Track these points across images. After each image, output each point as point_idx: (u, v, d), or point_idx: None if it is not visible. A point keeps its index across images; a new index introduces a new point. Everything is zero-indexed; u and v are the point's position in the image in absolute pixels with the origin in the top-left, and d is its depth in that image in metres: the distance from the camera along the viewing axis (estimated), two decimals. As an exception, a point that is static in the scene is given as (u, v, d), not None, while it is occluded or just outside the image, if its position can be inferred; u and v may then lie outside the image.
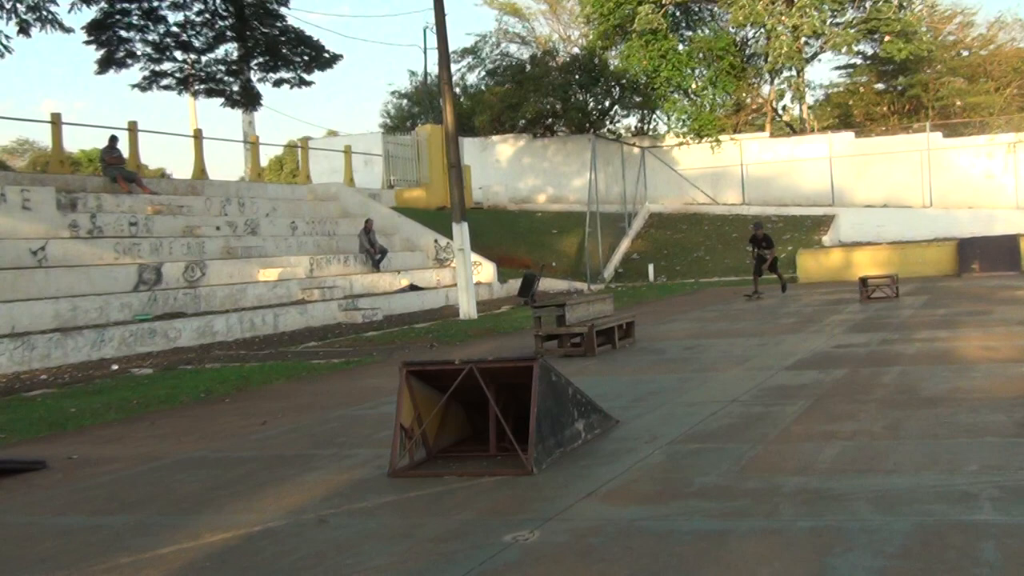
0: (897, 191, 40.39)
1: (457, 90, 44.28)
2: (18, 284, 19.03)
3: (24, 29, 22.55)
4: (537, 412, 7.45)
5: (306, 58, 35.04)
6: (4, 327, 17.56)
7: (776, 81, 47.35)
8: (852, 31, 43.26)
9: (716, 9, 46.43)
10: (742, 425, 8.82)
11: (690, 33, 47.02)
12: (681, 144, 44.33)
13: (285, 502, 7.08)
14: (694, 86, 45.40)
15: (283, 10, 34.71)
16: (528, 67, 46.98)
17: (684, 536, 5.68)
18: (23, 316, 18.08)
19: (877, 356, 13.03)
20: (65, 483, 8.27)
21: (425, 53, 56.48)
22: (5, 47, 23.24)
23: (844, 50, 44.65)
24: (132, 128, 29.35)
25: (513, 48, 51.99)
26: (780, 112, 49.98)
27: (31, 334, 17.44)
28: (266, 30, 34.32)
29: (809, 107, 50.44)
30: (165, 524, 6.72)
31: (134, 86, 34.75)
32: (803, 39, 43.38)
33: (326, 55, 35.25)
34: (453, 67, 35.35)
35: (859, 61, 49.75)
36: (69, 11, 31.35)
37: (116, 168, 26.57)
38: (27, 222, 20.93)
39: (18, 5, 22.24)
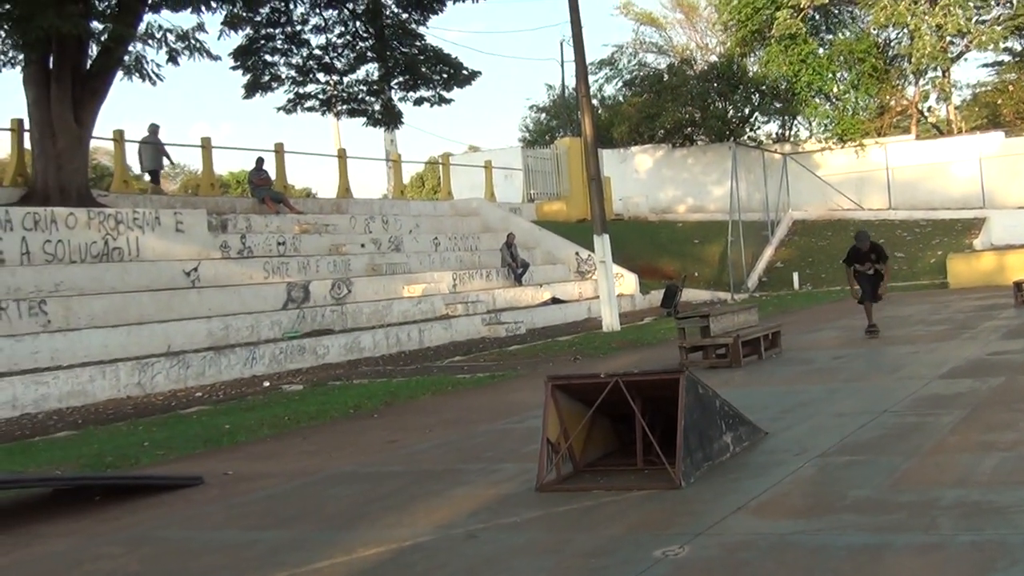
0: (1052, 191, 39.07)
1: (595, 102, 44.17)
2: (173, 304, 19.63)
3: (173, 58, 23.22)
4: (684, 425, 7.39)
5: (445, 76, 35.30)
6: (160, 346, 18.13)
7: (920, 82, 46.27)
8: (999, 28, 41.98)
9: (856, 11, 45.54)
10: (895, 436, 8.62)
11: (830, 36, 46.21)
12: (824, 149, 43.58)
13: (435, 516, 7.15)
14: (836, 90, 44.59)
15: (421, 29, 35.10)
16: (666, 76, 46.70)
17: (838, 551, 5.57)
18: (178, 335, 18.63)
19: (1036, 363, 12.61)
20: (222, 499, 8.48)
21: (562, 66, 56.62)
22: (156, 75, 23.97)
23: (991, 48, 43.35)
24: (278, 150, 30.06)
25: (650, 58, 51.78)
26: (926, 114, 48.78)
27: (186, 352, 17.96)
28: (405, 50, 34.69)
29: (956, 107, 49.12)
30: (319, 539, 6.85)
31: (279, 109, 35.50)
32: (947, 38, 42.25)
33: (464, 72, 35.47)
34: (590, 79, 35.29)
35: (1007, 58, 48.24)
36: (218, 38, 32.24)
37: (264, 189, 27.24)
38: (180, 244, 21.58)
39: (168, 35, 22.89)
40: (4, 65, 23.67)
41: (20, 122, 23.81)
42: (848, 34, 45.95)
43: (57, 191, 21.57)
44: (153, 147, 27.25)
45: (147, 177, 28.28)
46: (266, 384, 17.17)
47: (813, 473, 7.50)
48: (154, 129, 27.33)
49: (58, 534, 7.60)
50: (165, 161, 27.99)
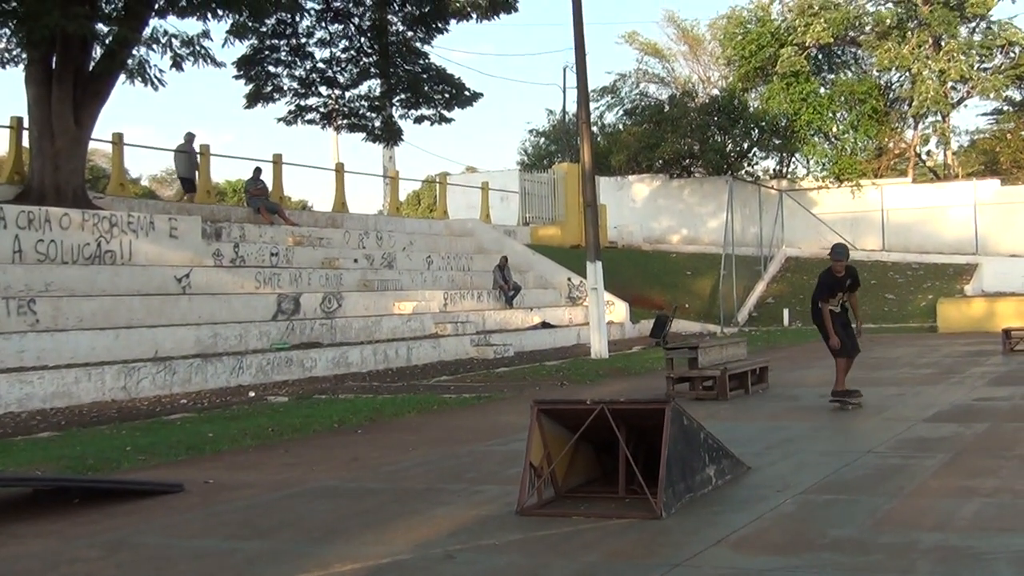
0: (1045, 241, 39.18)
1: (595, 129, 44.29)
2: (163, 310, 19.60)
3: (177, 63, 23.27)
4: (668, 456, 7.39)
5: (447, 96, 35.45)
6: (148, 351, 18.09)
7: (920, 126, 46.42)
8: (1001, 76, 42.22)
9: (860, 52, 45.78)
10: (878, 477, 8.62)
11: (832, 76, 46.44)
12: (820, 188, 43.71)
13: (413, 535, 7.13)
14: (835, 129, 44.77)
15: (426, 48, 35.28)
16: (667, 107, 46.86)
17: (816, 589, 5.57)
18: (166, 341, 18.60)
19: (1021, 410, 12.64)
20: (201, 507, 8.46)
21: (564, 92, 56.78)
22: (159, 80, 24.01)
23: (992, 95, 43.54)
24: (276, 160, 30.08)
25: (652, 88, 51.94)
26: (923, 157, 48.97)
27: (173, 359, 17.92)
28: (409, 68, 34.85)
29: (954, 153, 49.29)
30: (297, 552, 6.83)
31: (280, 120, 35.60)
32: (949, 84, 42.48)
33: (467, 93, 35.62)
34: (592, 106, 35.47)
35: (1007, 107, 48.47)
36: (223, 46, 32.32)
37: (260, 199, 27.25)
38: (174, 250, 21.56)
39: (173, 41, 22.95)
40: (7, 63, 23.70)
41: (20, 120, 23.81)
42: (850, 75, 46.19)
43: (53, 191, 21.56)
44: (187, 156, 27.93)
45: (180, 184, 28.67)
46: (252, 394, 17.14)
47: (794, 510, 7.50)
48: (189, 138, 27.94)
49: (35, 535, 7.57)
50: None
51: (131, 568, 6.60)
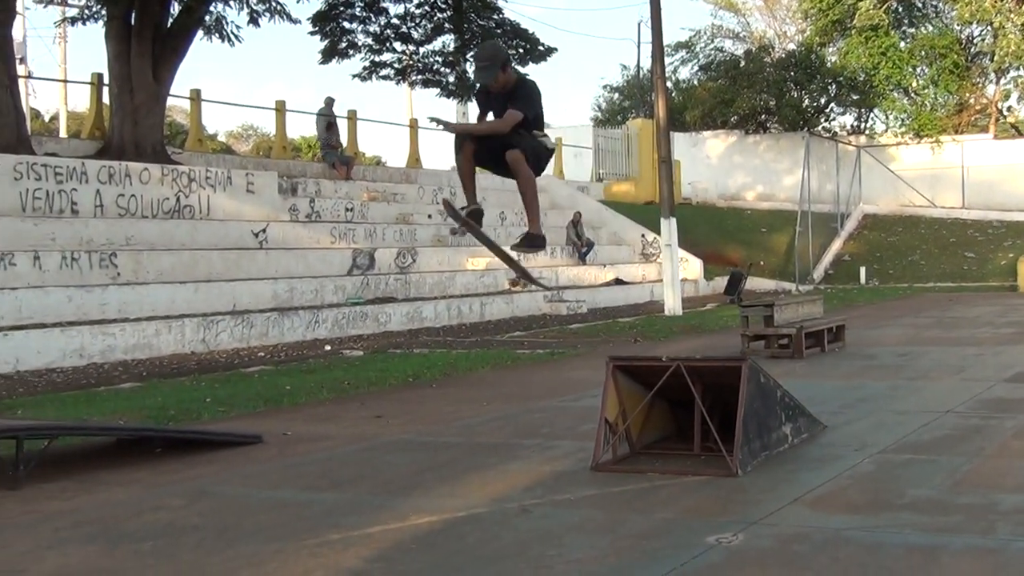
0: None
1: (669, 85, 43.84)
2: (240, 264, 19.84)
3: (254, 19, 23.46)
4: (744, 414, 7.36)
5: (521, 51, 35.28)
6: (226, 305, 18.34)
7: (1002, 81, 45.45)
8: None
9: (941, 5, 44.84)
10: (957, 437, 8.52)
11: (912, 30, 45.46)
12: (899, 144, 43.02)
13: (489, 489, 7.18)
14: (915, 84, 43.97)
15: (500, 2, 35.15)
16: (742, 63, 46.29)
17: (894, 549, 5.53)
18: (244, 295, 18.84)
19: (1105, 372, 12.39)
20: (280, 458, 8.58)
21: (638, 47, 56.25)
22: (235, 36, 24.21)
23: (1076, 49, 42.47)
24: (351, 116, 30.21)
25: (727, 44, 51.29)
26: (1005, 113, 47.94)
27: (250, 312, 18.16)
28: (483, 22, 34.74)
29: (1037, 108, 48.24)
30: (374, 504, 6.91)
31: (355, 76, 35.72)
32: (1032, 37, 41.48)
33: (540, 48, 35.45)
34: (666, 61, 35.08)
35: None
36: (297, 1, 32.47)
37: (335, 154, 27.40)
38: (250, 205, 21.78)
39: (251, -4, 23.19)
40: (88, 19, 24.01)
41: (100, 76, 24.14)
42: (930, 29, 45.21)
43: (133, 146, 21.86)
44: (326, 119, 28.32)
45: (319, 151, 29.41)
46: (327, 348, 17.32)
47: (872, 469, 7.44)
48: (329, 102, 28.44)
49: (119, 483, 7.74)
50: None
51: (212, 516, 6.72)
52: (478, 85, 8.16)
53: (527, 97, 7.62)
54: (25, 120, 22.99)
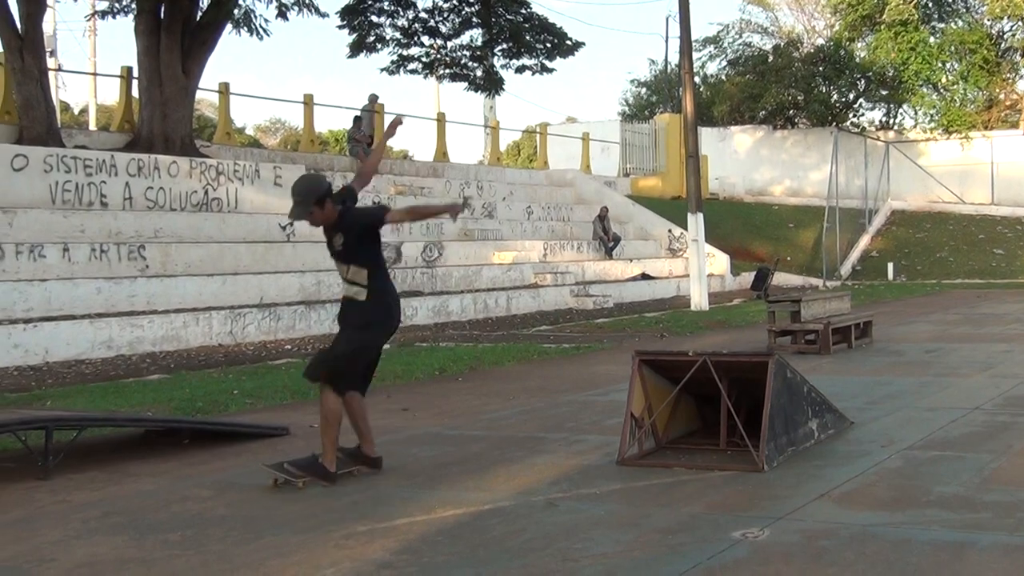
0: None
1: (697, 79, 43.71)
2: (268, 257, 19.91)
3: (283, 12, 23.53)
4: (771, 409, 7.35)
5: (548, 45, 35.30)
6: (254, 297, 18.42)
7: (1032, 76, 45.18)
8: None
9: (971, 1, 44.57)
10: (985, 434, 8.48)
11: (942, 25, 45.21)
12: (928, 139, 42.78)
13: (515, 483, 7.20)
14: (944, 80, 43.72)
15: (528, -3, 35.14)
16: (771, 57, 46.16)
17: (921, 546, 5.52)
18: (271, 288, 18.91)
19: None
20: (307, 450, 8.59)
21: (666, 41, 56.21)
22: (264, 29, 24.28)
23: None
24: (378, 110, 30.25)
25: (756, 38, 51.06)
26: (1036, 109, 47.62)
27: (278, 305, 18.23)
28: (511, 17, 34.74)
29: (1068, 104, 47.86)
30: (399, 496, 6.94)
31: (382, 70, 35.84)
32: (1064, 32, 41.19)
33: (568, 42, 35.44)
34: (694, 56, 35.02)
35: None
36: (326, -5, 32.61)
37: (361, 147, 27.46)
38: (278, 198, 21.81)
39: (278, -11, 23.23)
40: (118, 13, 24.13)
41: (129, 70, 24.27)
42: (960, 24, 44.93)
43: (161, 139, 21.97)
44: (370, 115, 29.04)
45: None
46: (354, 341, 17.33)
47: (899, 466, 7.42)
48: (373, 99, 29.18)
49: (148, 474, 7.80)
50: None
51: (240, 507, 6.76)
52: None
53: (350, 230, 7.25)
54: (55, 112, 23.17)
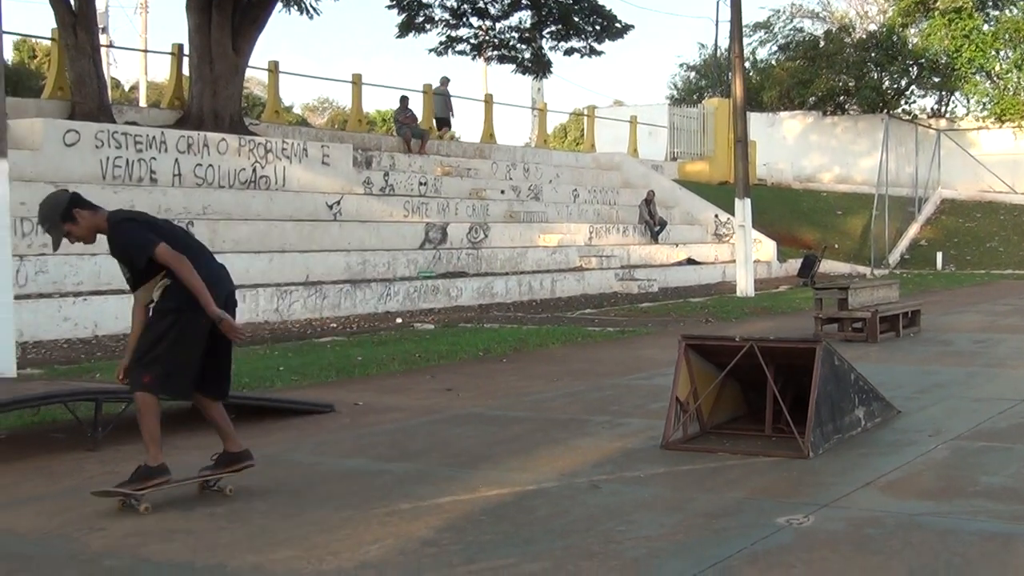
0: None
1: (747, 64, 43.39)
2: (314, 235, 20.00)
3: (333, -8, 23.58)
4: (817, 396, 7.30)
5: (597, 28, 35.06)
6: (300, 275, 18.51)
7: (1089, 65, 44.48)
8: None
9: (1027, -13, 43.98)
10: (1034, 426, 8.40)
11: (996, 13, 44.61)
12: (981, 128, 42.29)
13: (558, 464, 7.21)
14: (998, 68, 43.19)
15: (578, -22, 34.95)
16: (822, 43, 45.73)
17: (967, 536, 5.48)
18: (317, 266, 19.00)
19: None
20: (351, 427, 8.67)
21: (716, 25, 55.68)
22: (314, 8, 24.36)
23: None
24: (426, 91, 30.28)
25: (807, 23, 50.59)
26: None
27: (323, 284, 18.31)
28: (560, -1, 34.65)
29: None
30: (443, 475, 6.96)
31: (431, 50, 35.75)
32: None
33: (618, 25, 35.20)
34: (744, 41, 34.71)
35: None
36: (375, -25, 32.60)
37: (408, 127, 27.46)
38: (325, 177, 21.94)
39: (327, -30, 23.31)
40: (169, -10, 24.21)
41: (180, 47, 24.41)
42: (1015, 12, 44.31)
43: (211, 116, 22.10)
44: (442, 98, 29.57)
45: (434, 124, 30.05)
46: (399, 320, 17.43)
47: (946, 456, 7.36)
48: (445, 81, 29.79)
49: (194, 447, 7.85)
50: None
51: (286, 483, 6.81)
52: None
53: (123, 248, 6.58)
54: (107, 89, 23.34)
